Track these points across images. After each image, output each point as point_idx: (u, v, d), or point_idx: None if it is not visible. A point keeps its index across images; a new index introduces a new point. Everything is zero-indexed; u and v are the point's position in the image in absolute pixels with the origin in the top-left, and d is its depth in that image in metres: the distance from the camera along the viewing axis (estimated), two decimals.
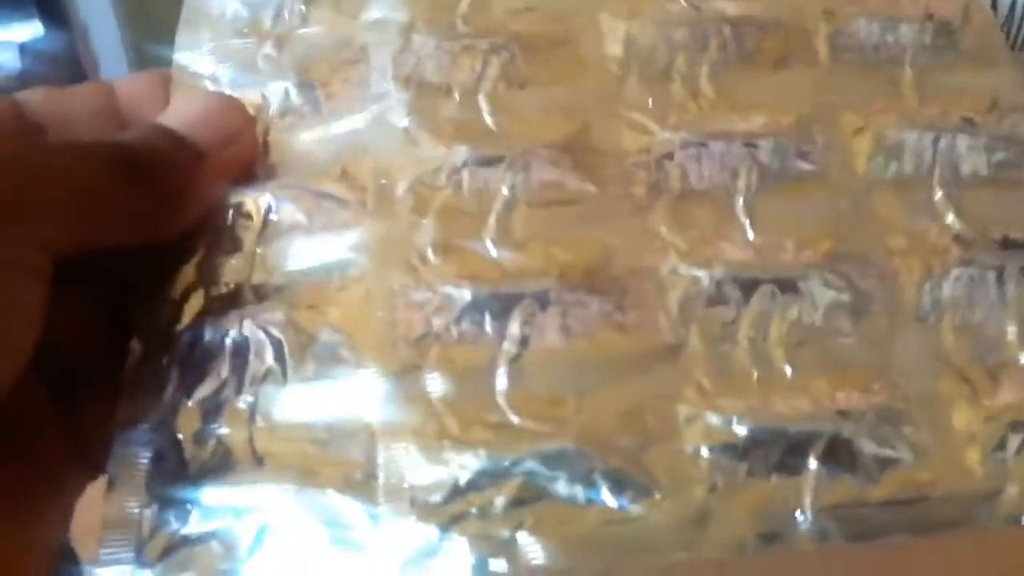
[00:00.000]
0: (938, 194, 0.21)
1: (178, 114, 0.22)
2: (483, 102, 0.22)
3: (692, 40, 0.23)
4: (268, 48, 0.24)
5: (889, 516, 0.17)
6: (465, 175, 0.21)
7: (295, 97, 0.23)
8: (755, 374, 0.19)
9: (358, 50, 0.23)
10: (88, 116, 0.22)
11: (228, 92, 0.23)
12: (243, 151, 0.22)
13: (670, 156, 0.21)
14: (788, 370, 0.19)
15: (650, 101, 0.22)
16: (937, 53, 0.23)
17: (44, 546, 0.18)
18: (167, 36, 0.25)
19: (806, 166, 0.22)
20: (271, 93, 0.23)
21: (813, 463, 0.18)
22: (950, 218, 0.21)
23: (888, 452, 0.18)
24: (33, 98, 0.22)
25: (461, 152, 0.21)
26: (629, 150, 0.21)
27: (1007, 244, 0.20)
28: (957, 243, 0.21)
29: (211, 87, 0.24)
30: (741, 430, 0.18)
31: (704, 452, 0.18)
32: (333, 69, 0.23)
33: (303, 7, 0.25)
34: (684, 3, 0.24)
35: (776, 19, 0.24)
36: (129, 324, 0.21)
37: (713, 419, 0.18)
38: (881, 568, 0.18)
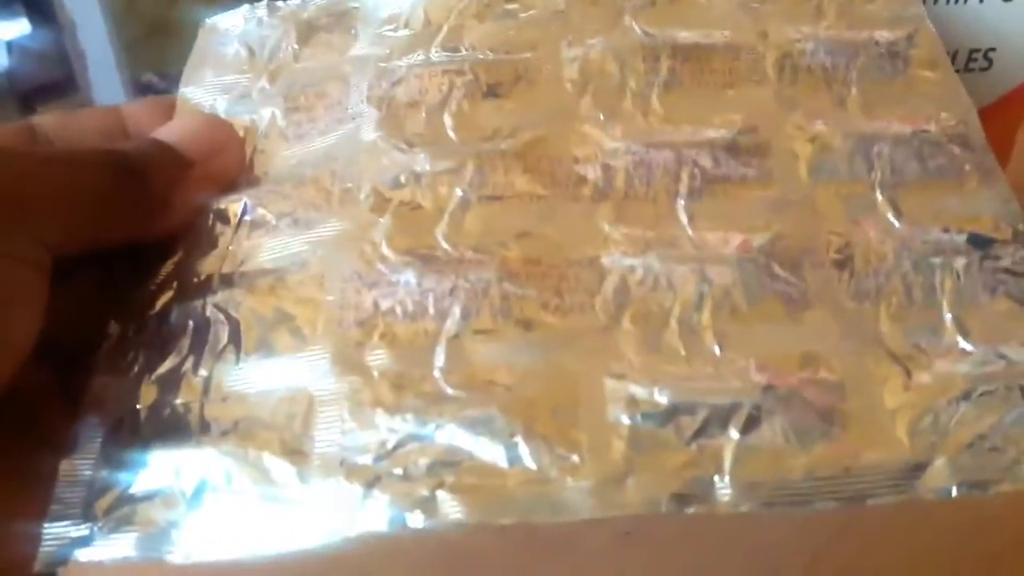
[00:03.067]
0: (878, 194, 0.22)
1: (171, 130, 0.24)
2: (447, 118, 0.24)
3: (644, 63, 0.24)
4: (263, 82, 0.27)
5: (813, 485, 0.17)
6: (424, 179, 0.22)
7: (281, 120, 0.25)
8: (683, 352, 0.19)
9: (340, 79, 0.25)
10: (96, 136, 0.24)
11: (222, 117, 0.26)
12: (228, 163, 0.25)
13: (616, 161, 0.22)
14: (717, 350, 0.19)
15: (601, 116, 0.23)
16: (883, 74, 0.24)
17: (44, 501, 0.20)
18: (155, 34, 0.28)
19: (748, 171, 0.22)
20: (260, 117, 0.25)
21: (735, 433, 0.18)
22: (890, 215, 0.21)
23: (814, 423, 0.18)
24: (46, 120, 0.24)
25: (421, 158, 0.23)
26: (578, 157, 0.23)
27: (945, 238, 0.21)
28: (895, 237, 0.21)
29: None
30: (663, 399, 0.18)
31: (625, 419, 0.18)
32: (317, 96, 0.25)
33: (296, 46, 0.27)
34: (638, 30, 0.25)
35: (726, 44, 0.25)
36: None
37: (637, 389, 0.19)
38: (801, 535, 0.18)
